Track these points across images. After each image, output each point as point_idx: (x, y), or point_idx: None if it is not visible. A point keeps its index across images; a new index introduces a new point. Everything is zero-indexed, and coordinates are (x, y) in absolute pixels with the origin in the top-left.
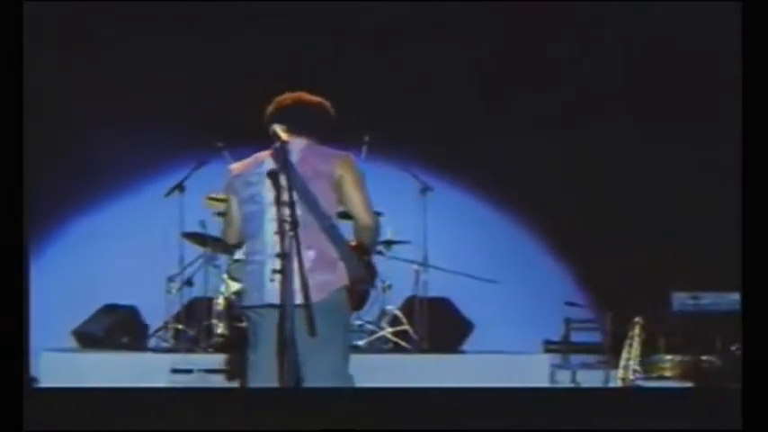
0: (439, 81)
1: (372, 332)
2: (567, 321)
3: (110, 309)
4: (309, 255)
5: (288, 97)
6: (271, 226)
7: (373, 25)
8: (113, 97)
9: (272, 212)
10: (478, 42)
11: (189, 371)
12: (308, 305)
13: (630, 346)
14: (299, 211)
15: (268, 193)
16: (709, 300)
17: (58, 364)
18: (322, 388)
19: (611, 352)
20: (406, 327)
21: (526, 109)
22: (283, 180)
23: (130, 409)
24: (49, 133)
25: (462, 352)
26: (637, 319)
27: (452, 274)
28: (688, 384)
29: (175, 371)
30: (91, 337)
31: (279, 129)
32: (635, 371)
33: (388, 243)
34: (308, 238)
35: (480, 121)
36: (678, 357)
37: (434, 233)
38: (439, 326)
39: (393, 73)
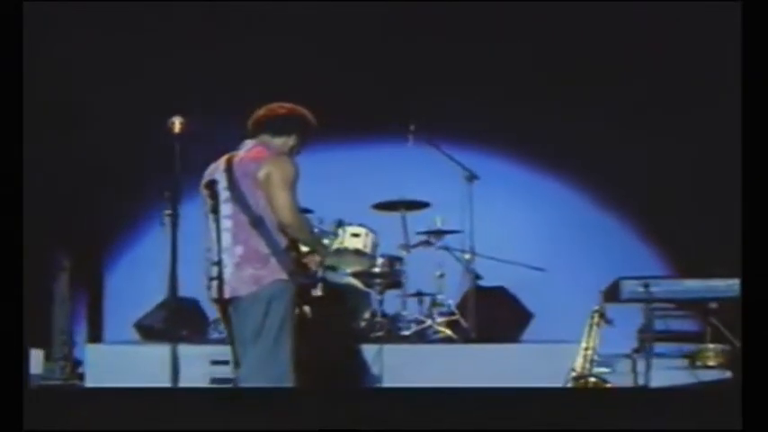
0: (488, 66)
1: (421, 322)
2: (652, 309)
3: (170, 301)
4: (237, 250)
5: (280, 107)
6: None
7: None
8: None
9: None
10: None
11: (226, 362)
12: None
13: (589, 335)
14: (229, 210)
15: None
16: (660, 287)
17: (104, 357)
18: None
19: (703, 340)
20: (456, 317)
21: (582, 91)
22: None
23: (130, 409)
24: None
25: (513, 342)
26: (596, 307)
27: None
28: (728, 374)
29: (215, 362)
30: (151, 330)
31: (177, 120)
32: (593, 361)
33: (438, 233)
34: (238, 235)
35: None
36: (720, 347)
37: (491, 221)
38: (496, 316)
39: (439, 60)
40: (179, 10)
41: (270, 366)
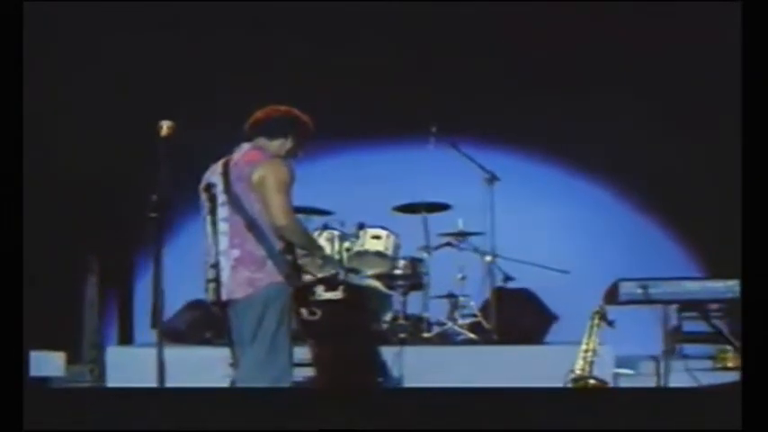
0: (507, 68)
1: (443, 324)
2: (679, 311)
3: (194, 304)
4: (233, 253)
5: (276, 109)
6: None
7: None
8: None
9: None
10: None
11: None
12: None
13: (589, 337)
14: (226, 213)
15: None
16: (659, 289)
17: (124, 360)
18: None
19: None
20: (479, 319)
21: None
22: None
23: (130, 409)
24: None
25: (536, 344)
26: (596, 308)
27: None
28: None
29: (232, 364)
30: (175, 333)
31: (165, 124)
32: (593, 363)
33: (460, 234)
34: (234, 238)
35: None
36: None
37: (513, 223)
38: (519, 318)
39: (460, 60)
40: (178, 11)
41: (267, 369)
